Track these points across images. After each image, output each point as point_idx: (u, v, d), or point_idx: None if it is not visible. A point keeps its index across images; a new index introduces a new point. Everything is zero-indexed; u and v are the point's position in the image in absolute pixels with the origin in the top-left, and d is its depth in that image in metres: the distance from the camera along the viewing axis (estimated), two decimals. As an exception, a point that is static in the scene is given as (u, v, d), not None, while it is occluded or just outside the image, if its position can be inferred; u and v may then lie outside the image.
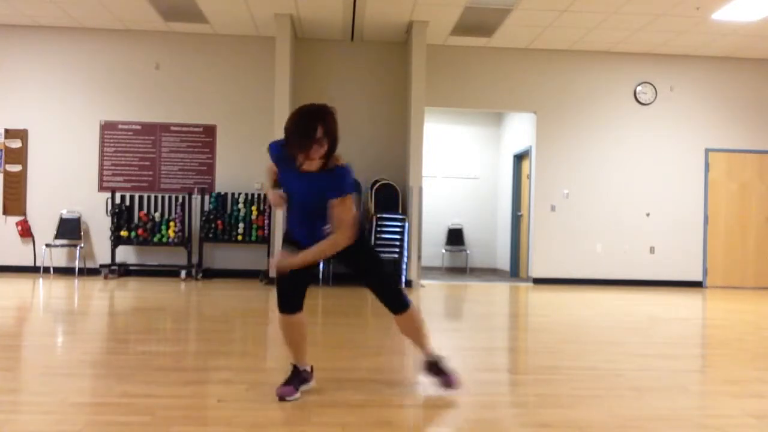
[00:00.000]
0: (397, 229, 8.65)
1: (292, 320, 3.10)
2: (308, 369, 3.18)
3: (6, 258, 9.10)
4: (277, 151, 2.97)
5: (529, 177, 10.18)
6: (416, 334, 3.20)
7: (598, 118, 9.80)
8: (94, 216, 9.22)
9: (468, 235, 12.15)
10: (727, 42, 9.10)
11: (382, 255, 8.32)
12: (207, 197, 9.14)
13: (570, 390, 3.32)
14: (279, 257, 2.95)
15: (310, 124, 2.76)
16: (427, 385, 3.32)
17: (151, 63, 9.34)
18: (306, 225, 3.02)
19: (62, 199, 9.18)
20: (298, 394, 3.01)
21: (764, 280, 9.87)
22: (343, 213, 2.87)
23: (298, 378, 3.08)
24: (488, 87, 9.70)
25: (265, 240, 8.93)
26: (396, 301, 3.10)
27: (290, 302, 3.09)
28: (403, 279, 8.52)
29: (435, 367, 3.20)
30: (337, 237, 2.89)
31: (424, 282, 9.24)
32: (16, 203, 9.17)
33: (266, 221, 8.96)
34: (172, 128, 9.36)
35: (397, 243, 8.60)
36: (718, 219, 9.89)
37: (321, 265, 7.43)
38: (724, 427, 2.75)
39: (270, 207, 8.88)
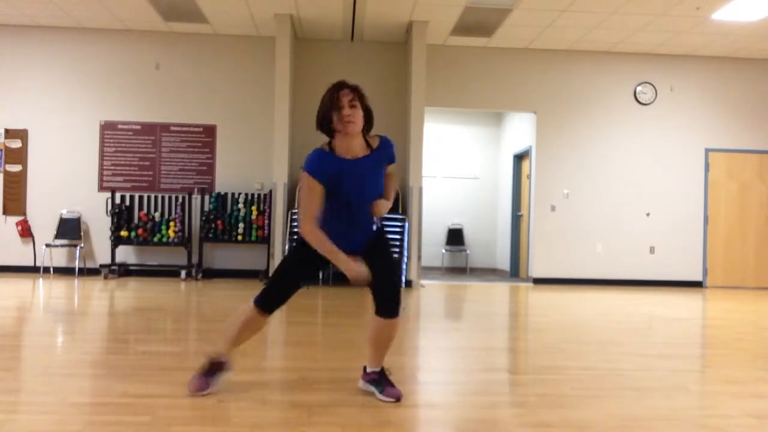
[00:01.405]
0: (397, 229, 8.64)
1: (262, 322, 3.10)
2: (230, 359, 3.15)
3: (6, 258, 9.10)
4: (318, 162, 2.88)
5: (529, 177, 10.18)
6: (389, 343, 3.09)
7: (598, 118, 9.80)
8: (94, 216, 9.22)
9: (468, 235, 12.15)
10: (727, 42, 9.10)
11: (392, 247, 8.31)
12: (207, 197, 9.14)
13: (570, 390, 3.32)
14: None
15: (340, 88, 2.88)
16: (429, 384, 3.31)
17: (151, 63, 9.34)
18: (355, 227, 2.98)
19: (62, 199, 9.18)
20: (212, 388, 3.03)
21: (764, 280, 9.86)
22: (397, 179, 3.03)
23: (219, 369, 3.08)
24: (488, 87, 9.69)
25: (265, 240, 8.93)
26: (397, 305, 3.02)
27: (278, 303, 3.07)
28: (403, 279, 8.52)
29: (385, 378, 3.08)
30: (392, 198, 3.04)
31: (424, 282, 9.24)
32: (16, 203, 9.17)
33: (266, 221, 8.96)
34: (172, 128, 9.36)
35: (397, 243, 8.60)
36: (718, 219, 9.89)
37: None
38: (724, 427, 2.75)
39: (270, 207, 8.87)
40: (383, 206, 2.99)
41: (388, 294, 2.98)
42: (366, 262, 2.96)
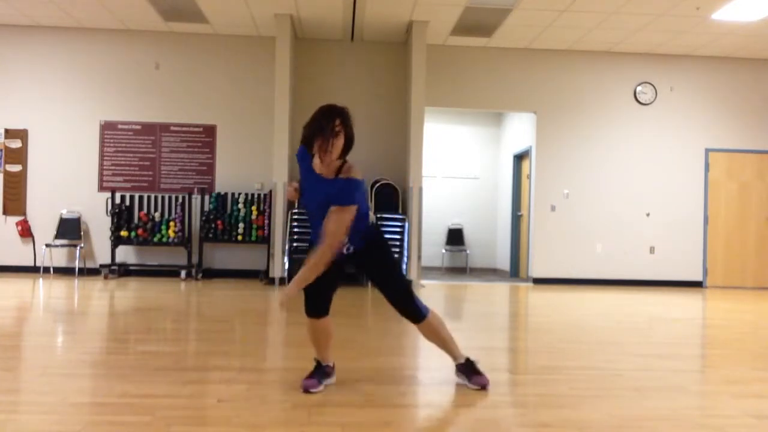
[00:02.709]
0: (397, 229, 8.64)
1: (317, 325, 3.23)
2: (331, 365, 3.31)
3: (6, 258, 9.10)
4: (302, 152, 3.09)
5: (529, 177, 10.18)
6: (439, 340, 3.32)
7: (598, 118, 9.80)
8: (94, 216, 9.22)
9: (468, 235, 12.15)
10: (727, 42, 9.10)
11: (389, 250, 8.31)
12: (207, 197, 9.14)
13: (570, 390, 3.32)
14: (280, 295, 2.99)
15: (329, 117, 2.94)
16: (429, 385, 3.32)
17: (151, 63, 9.34)
18: (313, 223, 3.15)
19: (62, 199, 9.18)
20: (321, 387, 3.15)
21: (764, 280, 9.86)
22: (337, 222, 2.94)
23: (321, 372, 3.23)
24: (488, 87, 9.69)
25: (265, 240, 8.93)
26: (412, 313, 3.21)
27: (316, 307, 3.19)
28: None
29: (465, 369, 3.29)
30: (323, 248, 2.95)
31: (424, 282, 9.23)
32: (16, 203, 9.17)
33: (266, 221, 8.96)
34: (172, 128, 9.36)
35: (397, 243, 8.60)
36: (718, 219, 9.89)
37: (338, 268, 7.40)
38: (724, 427, 2.75)
39: (270, 207, 8.88)
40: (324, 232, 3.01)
41: (399, 307, 3.20)
42: (365, 272, 3.13)
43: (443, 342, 3.33)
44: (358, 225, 3.07)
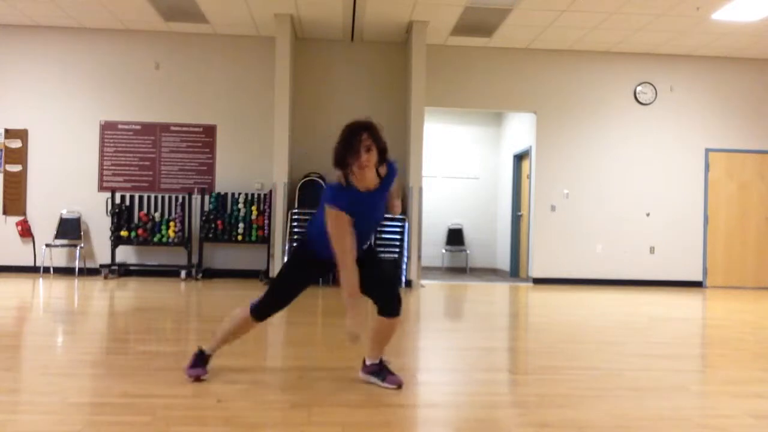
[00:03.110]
0: (397, 229, 8.65)
1: (255, 326, 3.32)
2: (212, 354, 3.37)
3: (6, 258, 9.10)
4: (339, 196, 3.01)
5: (529, 177, 10.18)
6: (390, 338, 3.34)
7: (598, 118, 9.80)
8: (94, 216, 9.22)
9: (468, 235, 12.15)
10: (727, 42, 9.09)
11: (382, 255, 8.32)
12: (207, 197, 9.14)
13: (570, 390, 3.32)
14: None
15: (356, 133, 2.99)
16: (429, 385, 3.31)
17: (151, 63, 9.34)
18: (362, 241, 3.19)
19: (62, 199, 9.17)
20: (207, 375, 3.28)
21: (764, 280, 9.86)
22: (398, 190, 3.18)
23: (203, 359, 3.31)
24: (488, 87, 9.69)
25: (265, 240, 8.93)
26: (399, 305, 3.25)
27: (273, 314, 3.28)
28: (403, 279, 8.51)
29: (386, 368, 3.31)
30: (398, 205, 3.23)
31: (424, 282, 9.23)
32: (16, 203, 9.17)
33: (266, 221, 8.96)
34: (172, 128, 9.36)
35: (397, 243, 8.60)
36: (718, 219, 9.89)
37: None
38: (724, 427, 2.75)
39: (270, 207, 8.87)
40: (397, 207, 3.30)
41: (390, 297, 3.20)
42: (361, 269, 3.11)
43: (388, 341, 3.34)
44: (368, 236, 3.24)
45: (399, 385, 3.22)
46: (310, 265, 3.24)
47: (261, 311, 3.24)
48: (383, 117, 10.42)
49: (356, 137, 2.97)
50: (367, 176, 3.05)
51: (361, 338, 3.00)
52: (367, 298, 3.15)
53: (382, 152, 3.05)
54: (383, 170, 3.12)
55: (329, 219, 2.99)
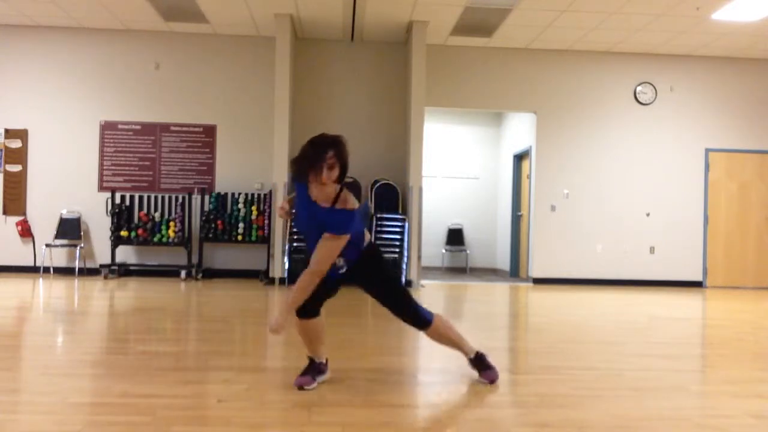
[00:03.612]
0: (397, 229, 8.64)
1: (307, 325, 3.27)
2: (324, 361, 3.34)
3: (6, 258, 9.10)
4: (298, 188, 3.10)
5: (529, 177, 10.18)
6: (448, 341, 3.39)
7: (598, 118, 9.80)
8: (94, 216, 9.22)
9: (468, 235, 12.15)
10: (727, 42, 9.09)
11: (385, 256, 8.30)
12: (207, 197, 9.14)
13: (570, 390, 3.32)
14: (272, 323, 2.98)
15: (321, 150, 2.93)
16: (429, 385, 3.31)
17: (151, 63, 9.34)
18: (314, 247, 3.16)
19: (62, 199, 9.17)
20: (315, 384, 3.19)
21: (764, 280, 9.86)
22: (328, 249, 2.98)
23: (314, 369, 3.26)
24: (488, 87, 9.69)
25: (265, 240, 8.93)
26: (416, 320, 3.28)
27: (306, 310, 3.23)
28: (403, 279, 8.51)
29: (477, 363, 3.39)
30: (311, 271, 3.00)
31: (424, 282, 9.23)
32: (16, 203, 9.17)
33: (266, 221, 8.96)
34: (172, 128, 9.36)
35: (397, 243, 8.60)
36: (718, 219, 9.89)
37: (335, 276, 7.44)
38: (724, 427, 2.75)
39: (270, 207, 8.88)
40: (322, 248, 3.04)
41: (404, 317, 3.28)
42: (363, 287, 3.19)
43: (453, 343, 3.40)
44: (358, 244, 3.16)
45: (492, 381, 3.33)
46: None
47: (296, 310, 3.19)
48: (383, 117, 10.49)
49: (321, 154, 2.92)
50: (324, 191, 3.02)
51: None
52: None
53: (344, 169, 3.00)
54: (341, 201, 3.01)
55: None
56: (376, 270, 3.27)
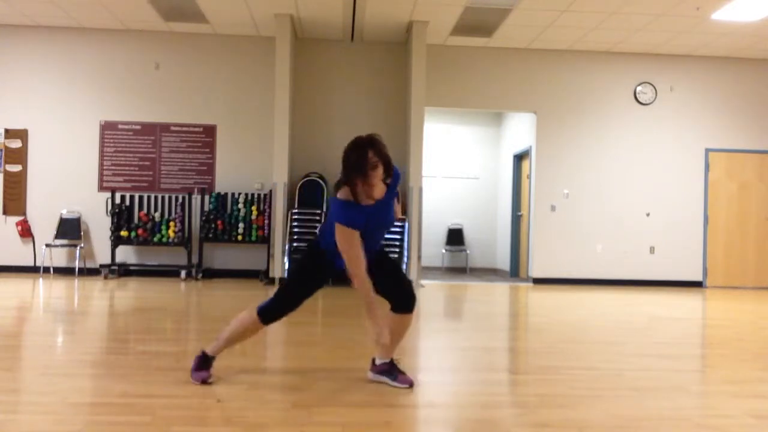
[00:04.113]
0: (397, 229, 8.64)
1: (261, 329, 3.28)
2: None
3: (6, 258, 9.10)
4: (350, 213, 3.01)
5: (529, 177, 10.18)
6: (403, 335, 3.39)
7: (598, 118, 9.80)
8: (94, 216, 9.22)
9: (468, 235, 12.15)
10: (727, 42, 9.09)
11: (390, 253, 8.31)
12: (207, 197, 9.14)
13: (570, 390, 3.32)
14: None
15: (361, 152, 2.93)
16: (429, 385, 3.31)
17: (151, 63, 9.34)
18: (372, 246, 3.20)
19: (62, 199, 9.17)
20: (212, 379, 3.25)
21: (764, 280, 9.86)
22: (399, 197, 3.19)
23: (207, 362, 3.27)
24: (488, 87, 9.69)
25: (265, 240, 8.93)
26: (413, 298, 3.30)
27: (280, 318, 3.24)
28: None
29: (396, 368, 3.35)
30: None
31: (424, 282, 9.23)
32: (16, 203, 9.17)
33: (266, 221, 8.96)
34: (172, 128, 9.36)
35: (397, 243, 8.60)
36: (718, 219, 9.89)
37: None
38: (724, 427, 2.75)
39: (270, 207, 8.87)
40: (398, 213, 3.31)
41: (403, 292, 3.25)
42: (373, 271, 3.15)
43: (401, 338, 3.39)
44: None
45: (410, 385, 3.26)
46: (322, 271, 3.24)
47: (269, 314, 3.21)
48: (383, 117, 10.48)
49: (362, 157, 2.92)
50: (375, 191, 3.05)
51: (386, 337, 3.04)
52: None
53: (387, 165, 3.02)
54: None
55: (341, 236, 3.00)
56: (384, 257, 3.34)
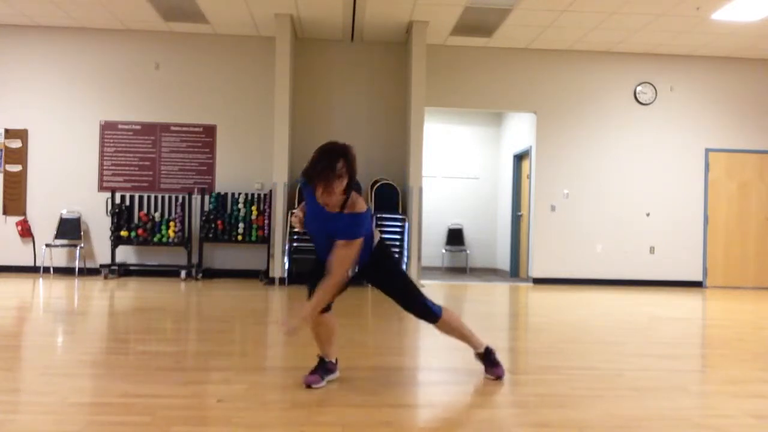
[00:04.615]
0: (397, 229, 8.64)
1: (319, 320, 3.25)
2: (333, 361, 3.34)
3: (6, 258, 9.10)
4: (305, 182, 3.04)
5: (529, 177, 10.18)
6: (458, 335, 3.46)
7: (598, 118, 9.80)
8: (94, 216, 9.22)
9: (468, 235, 12.15)
10: (727, 42, 9.09)
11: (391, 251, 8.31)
12: (207, 197, 9.14)
13: (570, 390, 3.32)
14: (286, 328, 3.07)
15: (331, 160, 2.88)
16: (429, 385, 3.31)
17: (151, 63, 9.34)
18: (320, 249, 3.19)
19: (62, 199, 9.18)
20: (323, 383, 3.21)
21: (764, 280, 9.86)
22: (343, 257, 2.99)
23: (323, 368, 3.27)
24: (488, 87, 9.69)
25: (265, 240, 8.93)
26: (426, 314, 3.30)
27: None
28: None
29: (484, 358, 3.47)
30: (332, 278, 3.00)
31: (424, 282, 9.23)
32: (16, 203, 9.17)
33: (266, 221, 8.96)
34: (172, 128, 9.36)
35: (397, 243, 8.60)
36: (718, 219, 9.89)
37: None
38: (724, 427, 2.75)
39: (270, 207, 8.88)
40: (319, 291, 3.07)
41: (413, 312, 3.29)
42: (374, 283, 3.22)
43: (463, 336, 3.46)
44: (366, 246, 3.14)
45: (498, 377, 3.43)
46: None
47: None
48: (383, 117, 10.49)
49: (330, 164, 2.86)
50: (332, 199, 2.94)
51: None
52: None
53: (351, 179, 2.95)
54: (351, 206, 3.01)
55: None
56: (385, 266, 3.28)
